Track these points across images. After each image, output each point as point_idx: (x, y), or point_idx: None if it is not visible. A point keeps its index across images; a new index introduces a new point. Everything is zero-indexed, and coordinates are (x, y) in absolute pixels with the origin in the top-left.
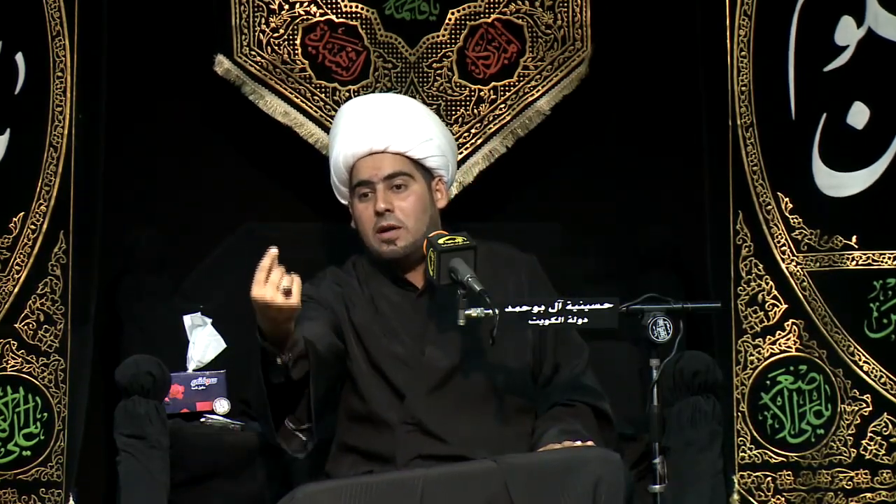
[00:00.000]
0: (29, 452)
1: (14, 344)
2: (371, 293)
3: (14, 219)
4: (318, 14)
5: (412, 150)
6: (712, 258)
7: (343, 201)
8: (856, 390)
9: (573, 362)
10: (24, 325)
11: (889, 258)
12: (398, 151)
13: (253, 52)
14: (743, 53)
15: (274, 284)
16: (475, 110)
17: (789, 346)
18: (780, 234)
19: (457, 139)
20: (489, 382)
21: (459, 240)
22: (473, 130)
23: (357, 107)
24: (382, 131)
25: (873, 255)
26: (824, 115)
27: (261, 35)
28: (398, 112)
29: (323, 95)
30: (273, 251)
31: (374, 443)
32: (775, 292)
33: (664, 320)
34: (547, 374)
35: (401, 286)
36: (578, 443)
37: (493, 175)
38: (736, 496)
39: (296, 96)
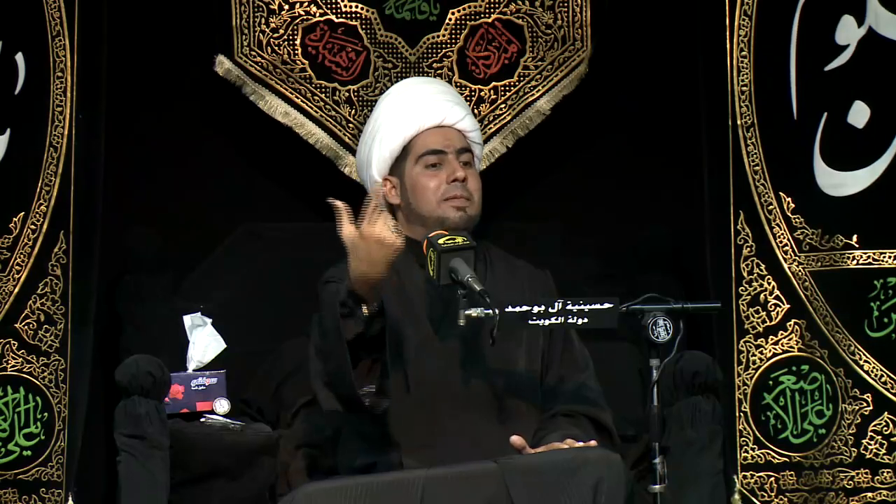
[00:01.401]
0: (29, 452)
1: (14, 344)
2: (399, 277)
3: (14, 219)
4: (318, 14)
5: (473, 133)
6: (713, 258)
7: (377, 177)
8: (856, 390)
9: (577, 376)
10: (24, 325)
11: (890, 257)
12: (465, 130)
13: (253, 53)
14: (743, 53)
15: (383, 221)
16: (475, 110)
17: (791, 347)
18: (783, 234)
19: None
20: (499, 379)
21: (459, 240)
22: None
23: (421, 82)
24: (455, 108)
25: (874, 254)
26: (825, 115)
27: (261, 35)
28: (460, 97)
29: (323, 95)
30: (378, 189)
31: (381, 430)
32: (777, 292)
33: (664, 320)
34: (550, 385)
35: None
36: (580, 443)
37: (493, 175)
38: (737, 496)
39: (296, 96)
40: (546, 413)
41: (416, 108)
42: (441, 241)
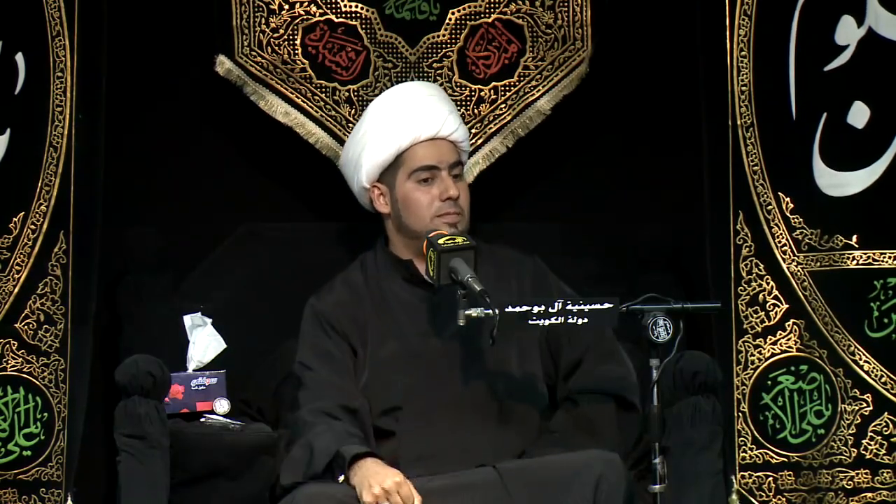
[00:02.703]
0: (29, 452)
1: (14, 344)
2: (383, 290)
3: (14, 219)
4: (318, 14)
5: (464, 143)
6: (712, 258)
7: (365, 182)
8: (856, 390)
9: (592, 354)
10: (24, 325)
11: (889, 257)
12: (457, 140)
13: (253, 53)
14: (743, 53)
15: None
16: (475, 110)
17: (790, 347)
18: (781, 233)
19: None
20: (492, 382)
21: (459, 240)
22: (474, 130)
23: (417, 87)
24: (449, 118)
25: (874, 254)
26: (825, 115)
27: (261, 35)
28: (452, 104)
29: (323, 95)
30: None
31: (378, 443)
32: (776, 292)
33: (664, 320)
34: (566, 371)
35: (415, 283)
36: None
37: (493, 175)
38: (735, 496)
39: (296, 96)
40: (560, 395)
41: (411, 117)
42: (441, 241)
